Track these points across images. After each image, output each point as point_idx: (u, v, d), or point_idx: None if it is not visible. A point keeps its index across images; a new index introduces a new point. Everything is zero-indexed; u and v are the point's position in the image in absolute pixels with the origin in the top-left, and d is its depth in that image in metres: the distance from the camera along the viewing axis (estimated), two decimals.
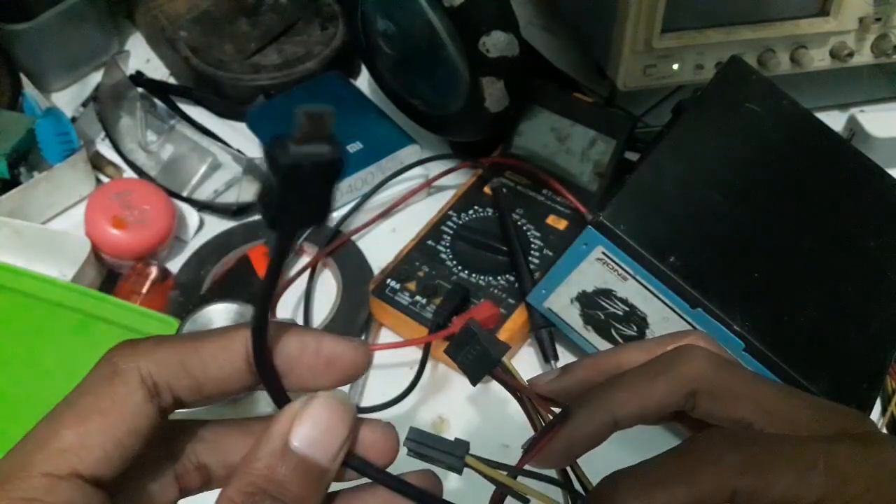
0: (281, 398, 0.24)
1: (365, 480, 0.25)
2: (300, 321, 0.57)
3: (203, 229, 0.64)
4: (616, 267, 0.45)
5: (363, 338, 0.57)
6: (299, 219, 0.19)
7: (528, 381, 0.29)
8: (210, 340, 0.24)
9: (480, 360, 0.27)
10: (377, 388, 0.54)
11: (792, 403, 0.26)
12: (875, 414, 0.53)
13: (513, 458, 0.28)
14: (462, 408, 0.54)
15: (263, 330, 0.23)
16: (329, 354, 0.24)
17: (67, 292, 0.53)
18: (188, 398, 0.23)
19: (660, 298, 0.44)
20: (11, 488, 0.20)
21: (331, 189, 0.19)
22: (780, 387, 0.27)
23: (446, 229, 0.59)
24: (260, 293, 0.23)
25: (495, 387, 0.54)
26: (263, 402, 0.43)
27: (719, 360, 0.27)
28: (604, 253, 0.45)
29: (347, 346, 0.25)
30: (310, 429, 0.23)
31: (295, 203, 0.18)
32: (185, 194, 0.65)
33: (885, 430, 0.53)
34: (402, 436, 0.26)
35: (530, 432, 0.29)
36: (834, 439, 0.24)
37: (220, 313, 0.43)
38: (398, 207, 0.65)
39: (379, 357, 0.56)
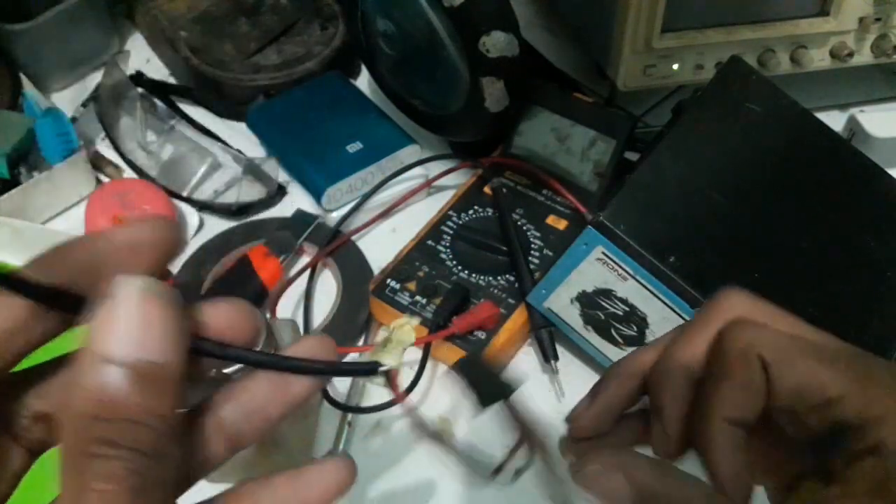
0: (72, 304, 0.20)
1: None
2: (300, 321, 0.57)
3: (203, 229, 0.64)
4: (616, 267, 0.45)
5: (363, 337, 0.57)
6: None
7: (568, 421, 0.30)
8: None
9: (493, 390, 0.27)
10: (377, 388, 0.54)
11: (827, 339, 0.26)
12: None
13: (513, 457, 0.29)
14: (462, 408, 0.54)
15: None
16: (128, 239, 0.21)
17: None
18: None
19: (660, 298, 0.44)
20: None
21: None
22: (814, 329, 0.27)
23: (446, 229, 0.59)
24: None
25: None
26: None
27: (755, 297, 0.27)
28: (604, 253, 0.45)
29: (146, 226, 0.22)
30: (119, 331, 0.19)
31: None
32: (185, 194, 0.65)
33: None
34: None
35: None
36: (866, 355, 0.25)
37: None
38: (398, 207, 0.65)
39: None
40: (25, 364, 0.22)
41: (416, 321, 0.26)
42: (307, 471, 0.23)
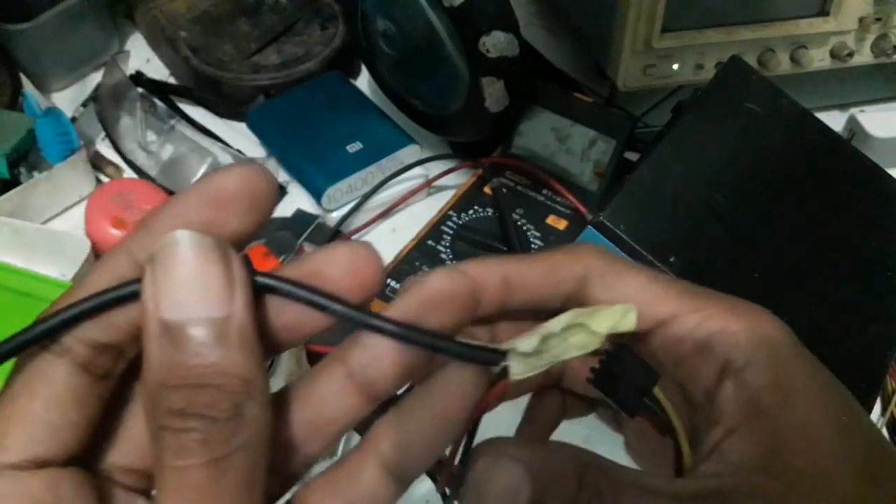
0: None
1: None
2: None
3: None
4: None
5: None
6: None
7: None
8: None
9: (636, 390, 0.23)
10: None
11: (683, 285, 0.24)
12: (875, 414, 0.53)
13: None
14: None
15: None
16: (213, 193, 0.19)
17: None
18: (106, 338, 0.19)
19: None
20: None
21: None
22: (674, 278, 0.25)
23: (446, 229, 0.59)
24: None
25: None
26: None
27: (610, 253, 0.25)
28: None
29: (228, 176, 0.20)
30: (171, 291, 0.17)
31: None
32: None
33: (885, 431, 0.53)
34: None
35: None
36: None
37: None
38: (398, 207, 0.65)
39: None
40: None
41: (632, 314, 0.21)
42: None
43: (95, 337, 0.18)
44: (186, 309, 0.17)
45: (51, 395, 0.18)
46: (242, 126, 0.70)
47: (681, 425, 0.23)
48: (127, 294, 0.18)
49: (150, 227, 0.19)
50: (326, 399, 0.20)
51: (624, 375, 0.23)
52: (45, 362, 0.18)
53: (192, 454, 0.17)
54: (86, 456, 0.19)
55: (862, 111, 0.71)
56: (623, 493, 0.21)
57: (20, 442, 0.18)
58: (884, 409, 0.53)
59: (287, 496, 0.21)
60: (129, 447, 0.20)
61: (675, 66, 0.62)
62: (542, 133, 0.63)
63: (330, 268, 0.20)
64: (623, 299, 0.22)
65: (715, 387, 0.22)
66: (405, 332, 0.19)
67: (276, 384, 0.43)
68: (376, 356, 0.20)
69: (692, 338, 0.22)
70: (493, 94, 0.56)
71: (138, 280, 0.18)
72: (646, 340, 0.23)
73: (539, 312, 0.23)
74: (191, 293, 0.17)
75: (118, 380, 0.20)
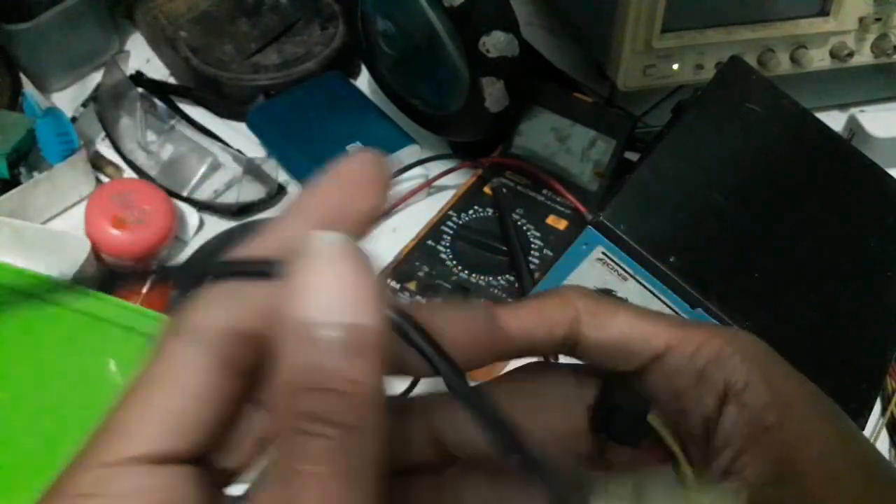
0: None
1: None
2: None
3: (203, 229, 0.64)
4: (616, 267, 0.45)
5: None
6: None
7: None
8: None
9: (632, 422, 0.23)
10: None
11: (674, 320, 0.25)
12: (875, 414, 0.53)
13: None
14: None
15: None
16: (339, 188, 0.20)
17: (67, 292, 0.53)
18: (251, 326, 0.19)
19: (660, 298, 0.44)
20: (69, 484, 0.18)
21: None
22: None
23: (446, 229, 0.59)
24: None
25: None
26: None
27: (594, 293, 0.25)
28: (604, 253, 0.45)
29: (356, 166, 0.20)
30: (321, 292, 0.17)
31: None
32: (185, 194, 0.65)
33: (885, 431, 0.53)
34: None
35: None
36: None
37: None
38: (398, 207, 0.65)
39: None
40: None
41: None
42: None
43: (236, 322, 0.18)
44: (333, 313, 0.17)
45: (189, 387, 0.18)
46: (242, 126, 0.70)
47: (680, 450, 0.23)
48: (274, 270, 0.18)
49: (298, 214, 0.20)
50: (402, 447, 0.22)
51: (618, 410, 0.23)
52: (188, 352, 0.18)
53: (328, 461, 0.17)
54: (204, 456, 0.19)
55: (862, 111, 0.71)
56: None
57: (148, 434, 0.18)
58: (884, 409, 0.53)
59: None
60: (235, 449, 0.20)
61: (675, 66, 0.62)
62: (542, 133, 0.63)
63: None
64: (618, 336, 0.23)
65: (716, 413, 0.23)
66: (496, 429, 0.18)
67: None
68: (462, 429, 0.21)
69: (690, 368, 0.23)
70: (493, 94, 0.56)
71: (281, 263, 0.18)
72: (642, 375, 0.23)
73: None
74: (340, 298, 0.17)
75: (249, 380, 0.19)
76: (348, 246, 0.18)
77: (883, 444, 0.52)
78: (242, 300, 0.19)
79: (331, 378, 0.17)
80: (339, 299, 0.17)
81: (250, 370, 0.19)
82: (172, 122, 0.68)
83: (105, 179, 0.66)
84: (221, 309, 0.19)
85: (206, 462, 0.19)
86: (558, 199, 0.61)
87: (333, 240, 0.18)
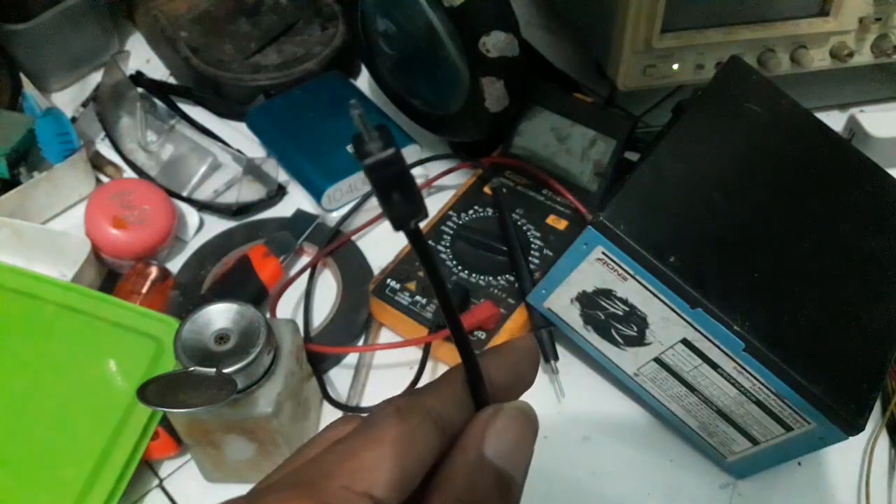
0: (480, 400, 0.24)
1: None
2: (300, 321, 0.57)
3: (203, 229, 0.64)
4: (616, 267, 0.45)
5: (363, 338, 0.57)
6: (403, 213, 0.20)
7: None
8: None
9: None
10: (377, 388, 0.54)
11: None
12: (875, 414, 0.53)
13: None
14: None
15: (463, 340, 0.23)
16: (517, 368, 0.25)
17: (67, 292, 0.53)
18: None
19: (660, 299, 0.44)
20: (316, 491, 0.20)
21: (409, 181, 0.20)
22: None
23: (446, 229, 0.59)
24: (437, 294, 0.22)
25: None
26: (262, 400, 0.43)
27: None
28: (604, 253, 0.45)
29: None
30: (503, 441, 0.23)
31: (392, 202, 0.20)
32: (185, 194, 0.65)
33: (884, 431, 0.53)
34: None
35: None
36: None
37: (220, 313, 0.43)
38: None
39: (379, 357, 0.56)
40: None
41: None
42: None
43: (450, 414, 0.23)
44: (506, 462, 0.22)
45: (419, 455, 0.22)
46: (242, 126, 0.70)
47: None
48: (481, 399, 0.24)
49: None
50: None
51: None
52: (424, 426, 0.22)
53: None
54: None
55: (862, 111, 0.71)
56: None
57: (386, 482, 0.21)
58: (884, 410, 0.53)
59: None
60: None
61: (675, 66, 0.62)
62: (542, 133, 0.63)
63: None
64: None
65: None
66: None
67: (276, 383, 0.43)
68: None
69: None
70: (493, 94, 0.56)
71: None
72: None
73: None
74: (515, 453, 0.23)
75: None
76: (529, 415, 0.23)
77: (883, 445, 0.52)
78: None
79: (482, 497, 0.22)
80: (508, 448, 0.22)
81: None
82: (172, 122, 0.68)
83: (105, 179, 0.66)
84: (449, 404, 0.23)
85: None
86: (558, 199, 0.61)
87: (520, 406, 0.24)
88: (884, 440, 0.53)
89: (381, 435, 0.22)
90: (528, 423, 0.23)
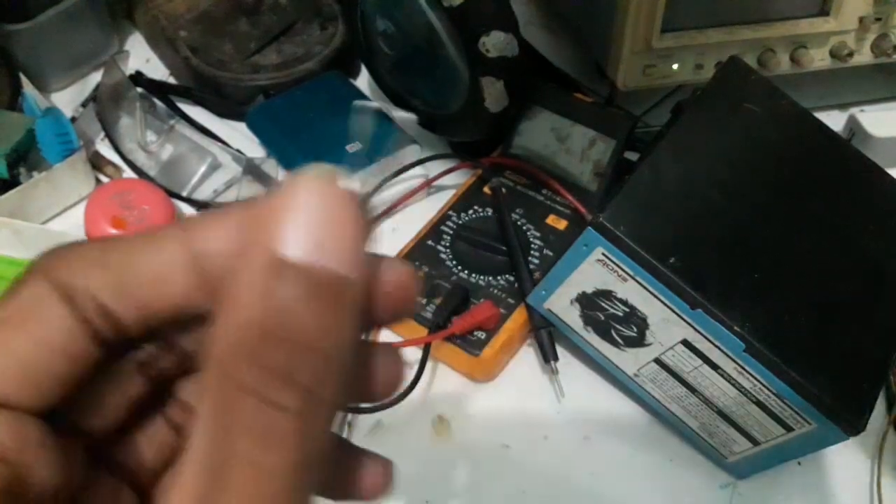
0: None
1: None
2: None
3: None
4: (616, 268, 0.45)
5: (363, 337, 0.57)
6: None
7: None
8: (140, 235, 0.17)
9: None
10: None
11: None
12: (879, 413, 0.53)
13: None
14: (462, 408, 0.53)
15: None
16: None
17: None
18: (114, 305, 0.17)
19: (660, 299, 0.44)
20: None
21: None
22: None
23: (446, 229, 0.59)
24: None
25: (495, 387, 0.54)
26: None
27: None
28: (604, 254, 0.45)
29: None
30: (300, 227, 0.14)
31: None
32: (184, 194, 0.65)
33: (891, 430, 0.53)
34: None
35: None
36: None
37: None
38: (398, 207, 0.65)
39: None
40: None
41: None
42: None
43: (108, 301, 0.17)
44: (314, 252, 0.14)
45: (42, 338, 0.16)
46: (242, 126, 0.70)
47: None
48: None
49: None
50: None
51: None
52: (47, 302, 0.16)
53: (282, 446, 0.14)
54: (62, 415, 0.17)
55: (862, 111, 0.71)
56: None
57: None
58: (889, 408, 0.53)
59: None
60: (105, 412, 0.18)
61: (675, 66, 0.62)
62: (542, 133, 0.63)
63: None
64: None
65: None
66: None
67: None
68: None
69: None
70: (493, 94, 0.56)
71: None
72: None
73: None
74: (324, 236, 0.14)
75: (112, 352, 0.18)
76: (337, 182, 0.15)
77: (890, 443, 0.52)
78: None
79: (300, 325, 0.14)
80: (318, 236, 0.14)
81: (112, 343, 0.17)
82: (172, 122, 0.68)
83: (105, 179, 0.66)
84: (73, 267, 0.17)
85: (64, 418, 0.17)
86: (558, 199, 0.61)
87: (323, 171, 0.15)
88: (890, 439, 0.53)
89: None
90: (337, 192, 0.15)
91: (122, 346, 0.18)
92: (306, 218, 0.14)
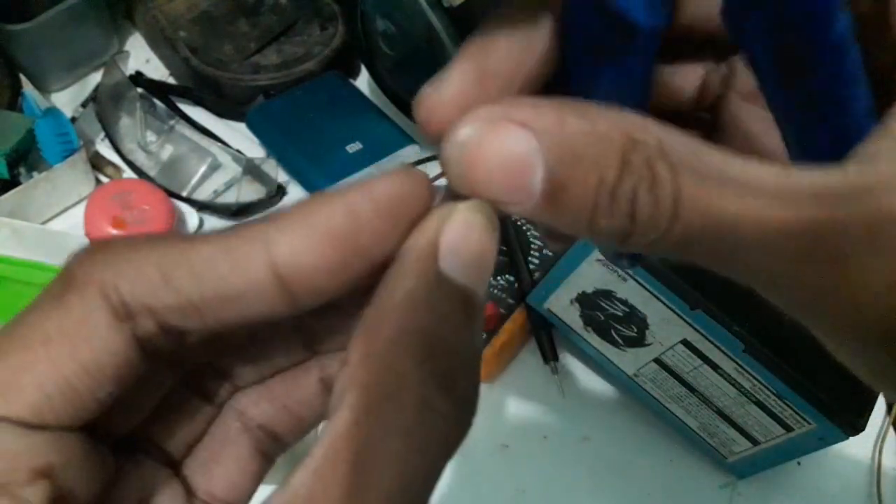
0: None
1: None
2: None
3: (203, 229, 0.64)
4: (616, 268, 0.45)
5: None
6: None
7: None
8: (208, 242, 0.16)
9: None
10: None
11: None
12: (881, 413, 0.53)
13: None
14: None
15: None
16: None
17: None
18: (181, 323, 0.16)
19: (660, 299, 0.44)
20: None
21: None
22: None
23: None
24: None
25: (495, 387, 0.54)
26: None
27: None
28: None
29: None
30: (461, 251, 0.16)
31: None
32: (184, 194, 0.65)
33: (892, 429, 0.53)
34: None
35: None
36: None
37: None
38: None
39: None
40: None
41: None
42: None
43: (175, 322, 0.16)
44: (466, 278, 0.16)
45: (92, 361, 0.15)
46: (242, 126, 0.70)
47: None
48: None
49: None
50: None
51: None
52: (101, 321, 0.15)
53: (429, 450, 0.14)
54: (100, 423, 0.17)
55: None
56: (691, 185, 0.15)
57: (32, 401, 0.15)
58: (889, 408, 0.53)
59: None
60: (135, 414, 0.18)
61: None
62: None
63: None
64: None
65: None
66: None
67: None
68: None
69: None
70: None
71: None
72: None
73: None
74: (475, 265, 0.16)
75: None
76: (488, 215, 0.16)
77: (890, 443, 0.52)
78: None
79: (461, 339, 0.15)
80: (467, 259, 0.16)
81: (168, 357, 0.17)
82: (172, 122, 0.68)
83: (105, 179, 0.66)
84: (121, 268, 0.16)
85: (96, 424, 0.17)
86: None
87: (477, 207, 0.16)
88: (891, 438, 0.53)
89: (27, 337, 0.16)
90: (490, 224, 0.16)
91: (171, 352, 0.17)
92: (463, 242, 0.16)
